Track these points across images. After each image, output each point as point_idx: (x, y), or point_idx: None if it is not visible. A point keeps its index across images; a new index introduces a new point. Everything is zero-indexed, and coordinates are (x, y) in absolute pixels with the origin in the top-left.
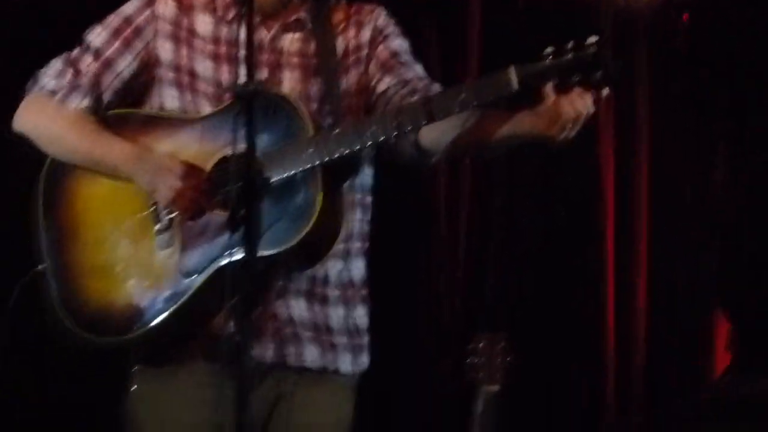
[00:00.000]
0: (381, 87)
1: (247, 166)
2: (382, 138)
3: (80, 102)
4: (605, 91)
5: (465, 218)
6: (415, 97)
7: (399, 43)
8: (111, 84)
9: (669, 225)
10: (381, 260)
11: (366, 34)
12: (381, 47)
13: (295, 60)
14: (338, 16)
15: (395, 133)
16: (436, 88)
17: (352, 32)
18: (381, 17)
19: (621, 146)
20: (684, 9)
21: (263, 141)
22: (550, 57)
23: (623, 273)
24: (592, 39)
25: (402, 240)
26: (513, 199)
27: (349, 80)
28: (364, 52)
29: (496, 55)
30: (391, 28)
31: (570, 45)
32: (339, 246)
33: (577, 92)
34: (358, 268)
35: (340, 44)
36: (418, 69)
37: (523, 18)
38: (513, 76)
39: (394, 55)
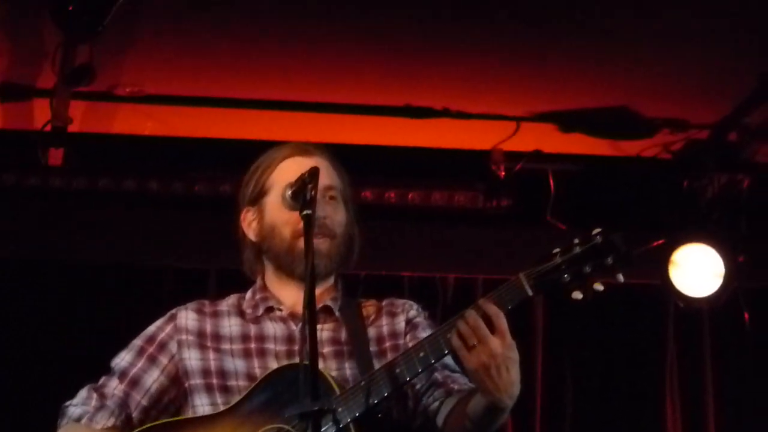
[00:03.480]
0: None
1: None
2: (411, 376)
3: (107, 422)
4: (620, 277)
5: None
6: (439, 390)
7: (427, 335)
8: (139, 403)
9: None
10: None
11: (401, 324)
12: (409, 337)
13: (328, 349)
14: (368, 310)
15: (422, 368)
16: (458, 378)
17: (385, 320)
18: (413, 309)
19: None
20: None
21: (294, 410)
22: (558, 255)
23: None
24: (597, 229)
25: None
26: None
27: (384, 363)
28: (401, 340)
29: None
30: (421, 320)
31: (576, 240)
32: None
33: (477, 347)
34: None
35: (372, 333)
36: (447, 360)
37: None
38: (524, 282)
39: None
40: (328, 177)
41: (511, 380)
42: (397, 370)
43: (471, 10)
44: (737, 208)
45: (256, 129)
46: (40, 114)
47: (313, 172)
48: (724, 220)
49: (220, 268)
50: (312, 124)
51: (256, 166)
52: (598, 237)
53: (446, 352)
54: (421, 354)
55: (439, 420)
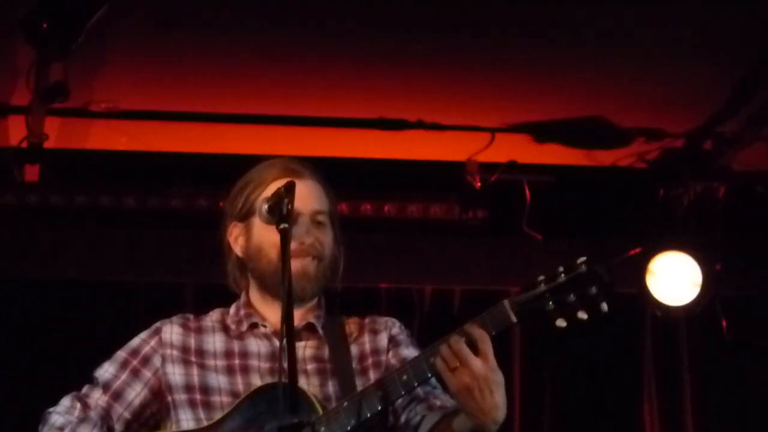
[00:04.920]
0: None
1: None
2: (393, 398)
3: None
4: (604, 306)
5: None
6: (421, 405)
7: (410, 352)
8: (121, 415)
9: None
10: None
11: (383, 341)
12: (391, 353)
13: (311, 366)
14: (351, 327)
15: (404, 391)
16: (440, 394)
17: (367, 338)
18: (395, 326)
19: None
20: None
21: (273, 426)
22: (543, 282)
23: None
24: (582, 259)
25: None
26: None
27: (367, 381)
28: (383, 357)
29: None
30: (403, 337)
31: (560, 269)
32: None
33: (460, 369)
34: None
35: (354, 350)
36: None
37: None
38: (508, 309)
39: (403, 363)
40: (317, 201)
41: (495, 403)
42: (380, 392)
43: (444, 22)
44: (713, 216)
45: (231, 143)
46: (16, 131)
47: (289, 187)
48: (700, 229)
49: (197, 283)
50: (286, 137)
51: (246, 182)
52: (582, 266)
53: (429, 376)
54: (405, 377)
55: None
